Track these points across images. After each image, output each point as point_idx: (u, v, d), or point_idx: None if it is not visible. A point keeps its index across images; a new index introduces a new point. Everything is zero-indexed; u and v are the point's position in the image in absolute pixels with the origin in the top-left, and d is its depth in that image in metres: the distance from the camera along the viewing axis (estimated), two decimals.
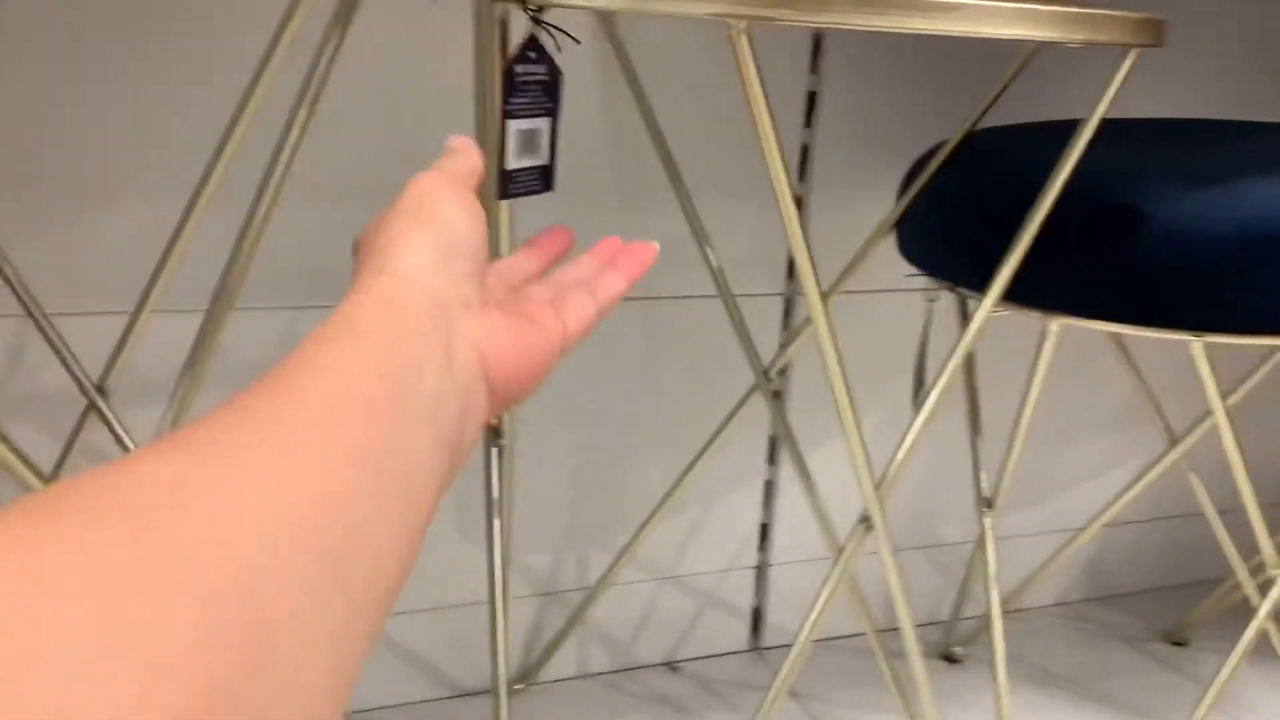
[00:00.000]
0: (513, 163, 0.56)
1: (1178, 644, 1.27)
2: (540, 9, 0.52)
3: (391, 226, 0.38)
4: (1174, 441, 1.05)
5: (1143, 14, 0.61)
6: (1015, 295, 0.78)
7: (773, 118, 0.60)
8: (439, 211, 0.39)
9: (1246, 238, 0.70)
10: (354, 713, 1.05)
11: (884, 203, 1.08)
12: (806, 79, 1.04)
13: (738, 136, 1.02)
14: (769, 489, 1.17)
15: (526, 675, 1.11)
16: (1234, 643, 0.94)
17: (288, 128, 0.68)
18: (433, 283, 0.36)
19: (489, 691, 1.10)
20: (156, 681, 0.20)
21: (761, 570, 1.19)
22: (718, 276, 0.94)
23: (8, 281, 0.79)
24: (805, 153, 1.07)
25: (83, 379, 0.79)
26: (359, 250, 0.39)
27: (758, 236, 1.06)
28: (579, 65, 0.94)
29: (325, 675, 0.24)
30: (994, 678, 0.95)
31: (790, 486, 1.16)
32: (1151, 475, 1.08)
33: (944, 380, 0.74)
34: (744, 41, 0.53)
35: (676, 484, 1.03)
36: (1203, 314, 0.72)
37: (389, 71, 0.90)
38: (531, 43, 0.55)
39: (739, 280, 1.06)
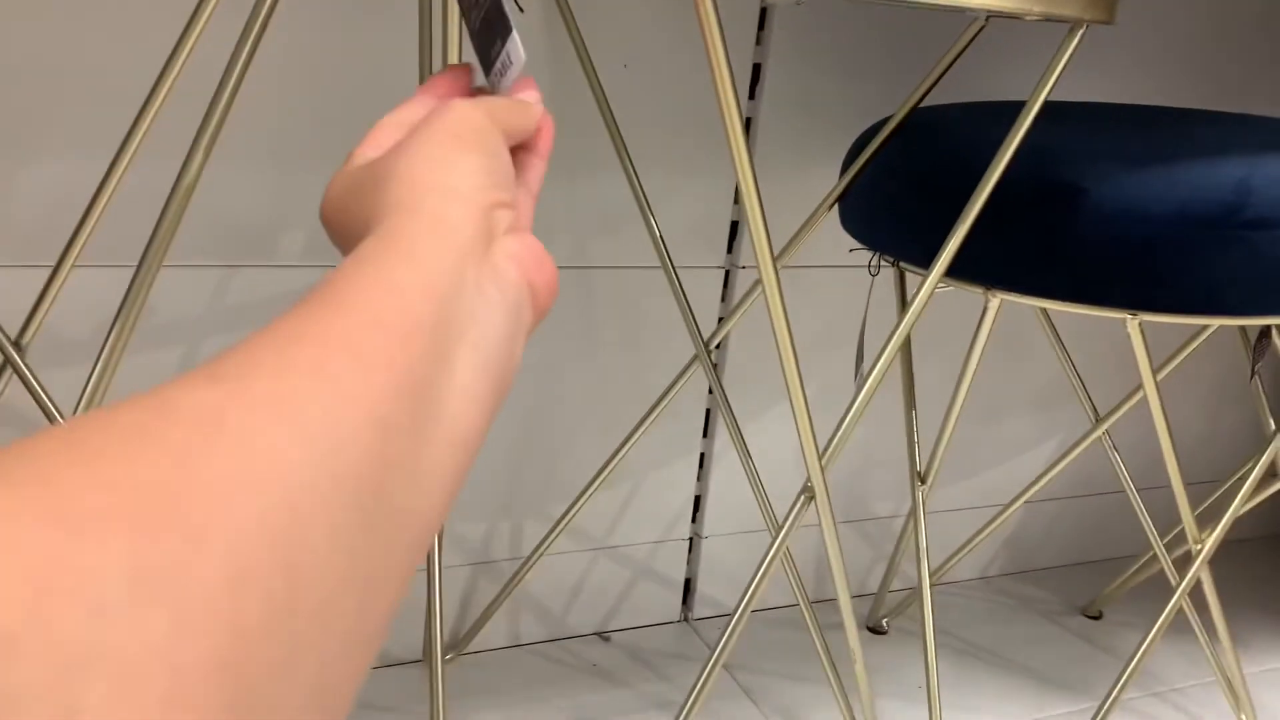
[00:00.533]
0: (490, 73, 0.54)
1: (1092, 618, 1.31)
2: None
3: (434, 147, 0.36)
4: (1099, 419, 1.08)
5: None
6: (956, 271, 0.79)
7: (733, 78, 0.59)
8: (488, 141, 0.38)
9: (1183, 218, 0.72)
10: None
11: (828, 178, 1.08)
12: (752, 51, 1.04)
13: (680, 109, 1.01)
14: (703, 461, 1.17)
15: (457, 645, 1.10)
16: (1145, 617, 0.97)
17: (222, 82, 0.65)
18: (483, 199, 0.35)
19: (419, 661, 1.09)
20: (187, 623, 0.19)
21: (694, 542, 1.20)
22: (660, 246, 0.94)
23: None
24: (749, 125, 1.06)
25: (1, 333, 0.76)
26: (363, 175, 0.37)
27: (697, 209, 1.06)
28: (527, 34, 0.92)
29: (354, 619, 0.24)
30: (924, 650, 0.96)
31: (724, 459, 1.16)
32: (1076, 452, 1.11)
33: (888, 355, 0.74)
34: (708, 6, 0.52)
35: (614, 456, 1.02)
36: (1139, 292, 0.73)
37: (324, 29, 0.87)
38: None
39: (678, 253, 1.05)
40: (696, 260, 1.08)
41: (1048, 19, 0.61)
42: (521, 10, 0.56)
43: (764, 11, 1.03)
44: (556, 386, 1.06)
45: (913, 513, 0.97)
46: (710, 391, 1.13)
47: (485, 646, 1.12)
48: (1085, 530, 1.43)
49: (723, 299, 1.11)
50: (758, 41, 1.04)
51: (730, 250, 1.10)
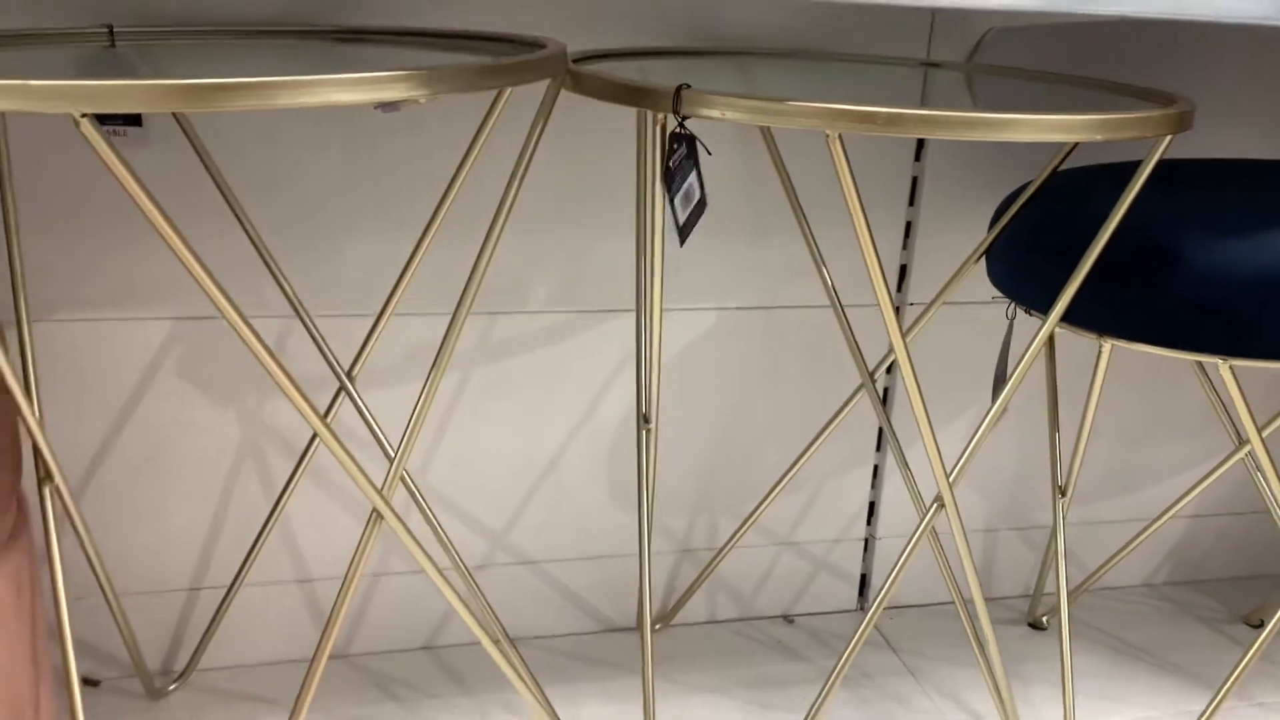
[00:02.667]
0: (681, 218, 0.76)
1: (1253, 626, 1.40)
2: (685, 117, 0.73)
3: None
4: (1240, 442, 1.19)
5: (1168, 109, 0.77)
6: (1076, 319, 0.95)
7: (868, 224, 0.77)
8: None
9: (1263, 279, 0.85)
10: (520, 638, 1.29)
11: (983, 222, 1.24)
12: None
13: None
14: (876, 472, 1.35)
15: (664, 617, 1.33)
16: None
17: (511, 178, 0.89)
18: None
19: (633, 629, 1.32)
20: None
21: (869, 542, 1.38)
22: (830, 291, 1.13)
23: (281, 288, 1.04)
24: (915, 184, 1.24)
25: (336, 365, 1.04)
26: None
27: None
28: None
29: None
30: (1059, 644, 1.11)
31: (896, 470, 1.34)
32: (1219, 473, 1.22)
33: (1012, 386, 0.91)
34: (837, 145, 0.72)
35: (794, 464, 1.22)
36: (1226, 341, 0.87)
37: (568, 147, 1.12)
38: (675, 137, 0.76)
39: (855, 293, 1.24)
40: (867, 299, 1.26)
41: (1139, 139, 0.76)
42: (710, 154, 0.77)
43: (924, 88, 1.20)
44: (747, 405, 1.27)
45: (1054, 521, 1.12)
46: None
47: (686, 621, 1.34)
48: (1258, 543, 1.51)
49: None
50: None
51: (900, 289, 1.28)
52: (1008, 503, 1.40)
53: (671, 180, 0.75)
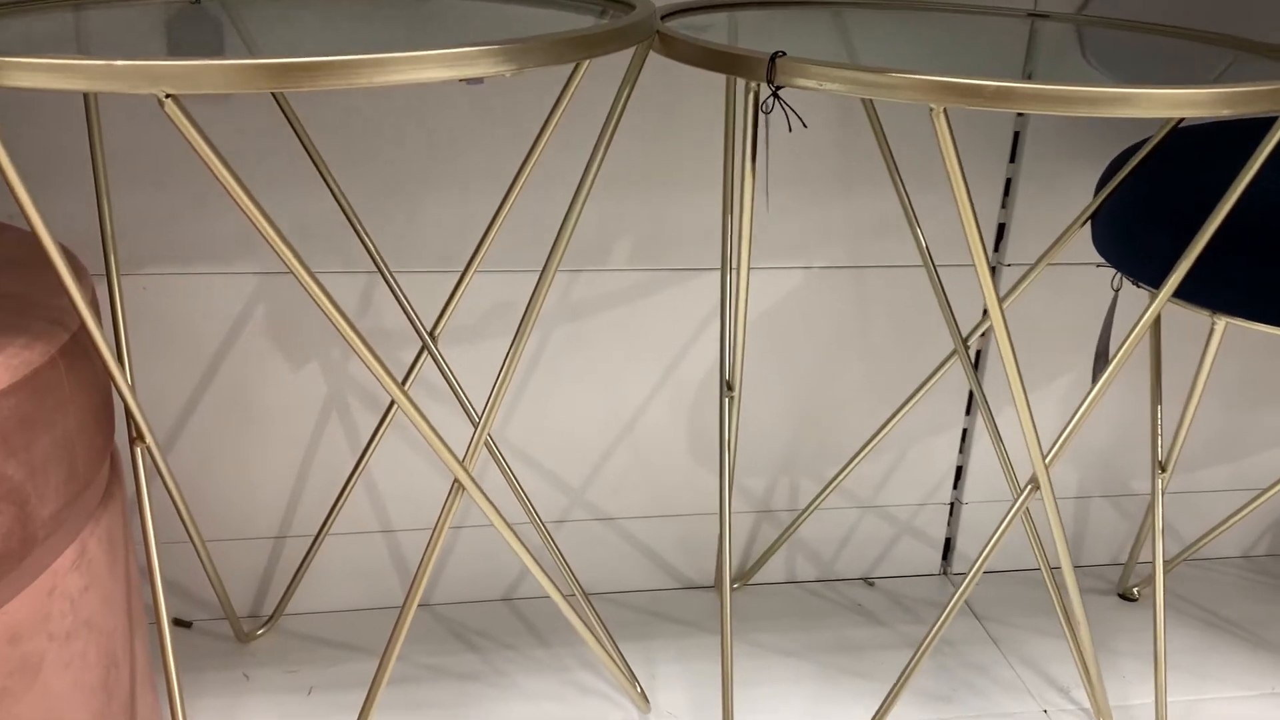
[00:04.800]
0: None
1: None
2: (779, 87, 0.69)
3: None
4: None
5: None
6: (1186, 293, 0.90)
7: (968, 190, 0.73)
8: None
9: None
10: (597, 594, 1.29)
11: (1088, 183, 1.18)
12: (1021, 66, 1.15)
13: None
14: (965, 435, 1.31)
15: (743, 576, 1.32)
16: None
17: (595, 149, 0.87)
18: None
19: (711, 586, 1.32)
20: None
21: (954, 506, 1.35)
22: (924, 251, 1.09)
23: (365, 245, 1.04)
24: (1016, 140, 1.18)
25: (419, 324, 1.04)
26: None
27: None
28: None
29: None
30: (1154, 620, 1.08)
31: (986, 434, 1.30)
32: None
33: (1115, 366, 0.87)
34: (942, 121, 0.68)
35: (881, 429, 1.19)
36: None
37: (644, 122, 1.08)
38: (764, 108, 0.72)
39: (949, 254, 1.19)
40: (963, 259, 1.21)
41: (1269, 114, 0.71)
42: (805, 126, 0.74)
43: (1031, 37, 1.14)
44: (832, 367, 1.24)
45: (1151, 497, 1.08)
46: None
47: (765, 580, 1.33)
48: None
49: None
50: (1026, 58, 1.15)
51: (997, 249, 1.23)
52: (1102, 470, 1.35)
53: (757, 149, 0.72)
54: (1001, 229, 1.22)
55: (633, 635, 1.23)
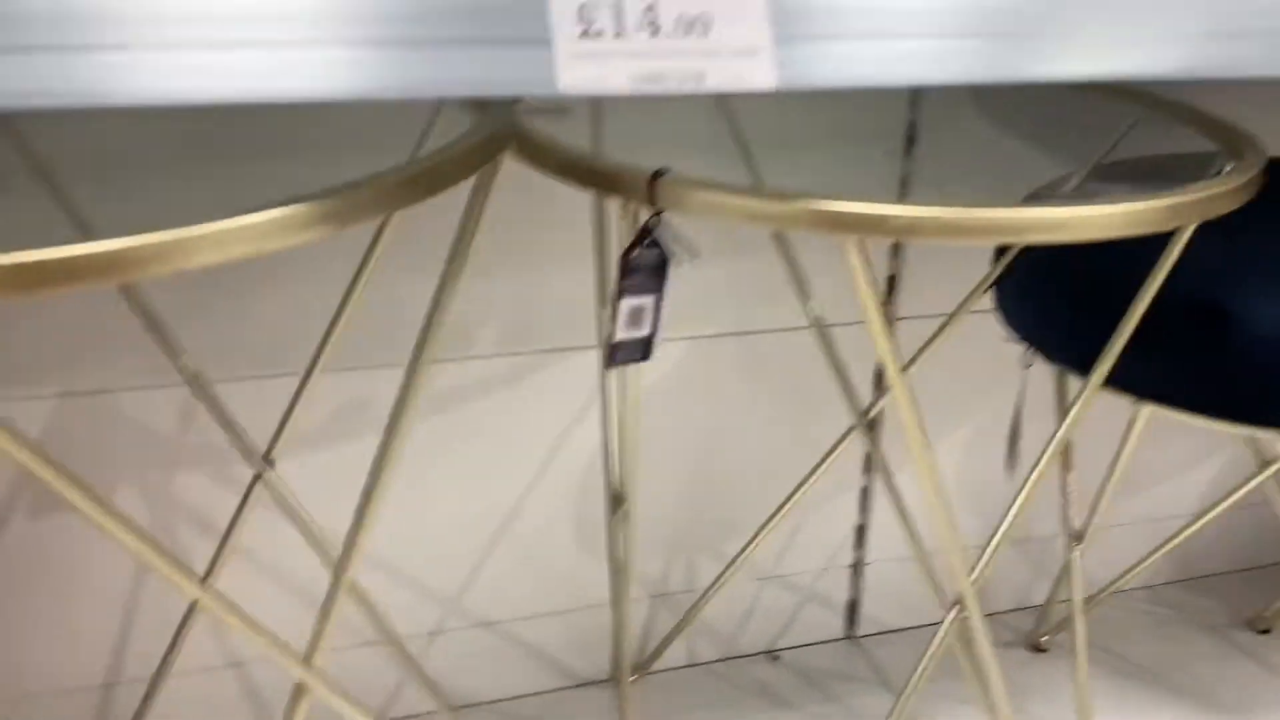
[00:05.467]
0: (620, 335, 0.62)
1: (1261, 632, 1.32)
2: (661, 212, 0.58)
3: None
4: (1264, 464, 1.09)
5: (1200, 194, 0.63)
6: (1108, 379, 0.82)
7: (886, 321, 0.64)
8: None
9: None
10: (485, 703, 1.17)
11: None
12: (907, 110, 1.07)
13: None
14: (865, 494, 1.23)
15: (641, 667, 1.22)
16: None
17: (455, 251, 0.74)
18: None
19: (609, 680, 1.21)
20: None
21: (858, 567, 1.27)
22: (814, 322, 0.99)
23: (175, 362, 0.89)
24: (904, 182, 1.09)
25: (250, 448, 0.89)
26: None
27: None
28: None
29: None
30: (1072, 668, 1.02)
31: (886, 492, 1.23)
32: (1240, 494, 1.12)
33: (1042, 464, 0.79)
34: (854, 255, 0.58)
35: (780, 508, 1.10)
36: None
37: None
38: (647, 233, 0.61)
39: (838, 311, 1.10)
40: (854, 316, 1.12)
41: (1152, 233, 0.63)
42: (696, 255, 0.63)
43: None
44: (723, 438, 1.14)
45: (1066, 569, 1.02)
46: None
47: (665, 666, 1.23)
48: (1261, 533, 1.43)
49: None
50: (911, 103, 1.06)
51: (889, 301, 1.14)
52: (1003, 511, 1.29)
53: (628, 276, 0.61)
54: (892, 280, 1.13)
55: None
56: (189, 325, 0.93)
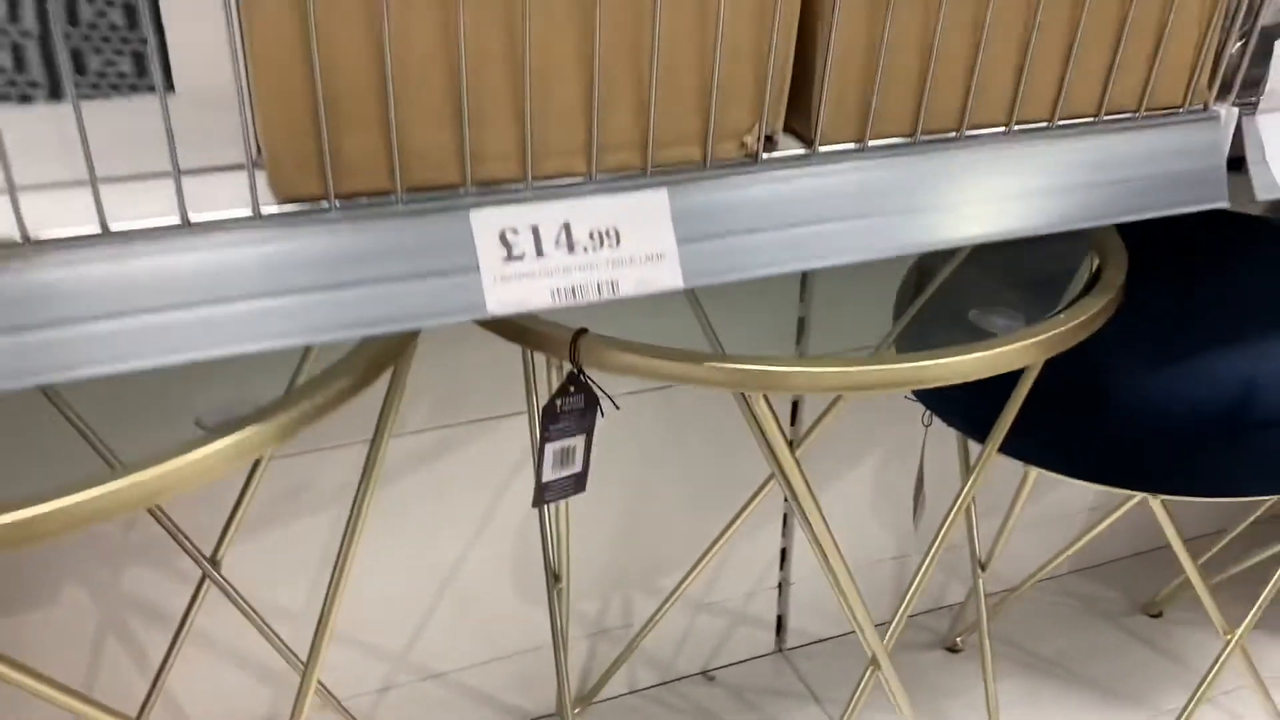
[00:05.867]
0: (548, 476, 0.67)
1: (1153, 616, 1.43)
2: (582, 370, 0.63)
3: None
4: None
5: (1032, 337, 0.70)
6: (1002, 447, 0.89)
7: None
8: None
9: (1199, 417, 0.81)
10: None
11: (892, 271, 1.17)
12: None
13: None
14: (787, 520, 1.30)
15: (584, 699, 1.28)
16: (1200, 612, 1.08)
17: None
18: None
19: (554, 714, 1.27)
20: None
21: (783, 587, 1.35)
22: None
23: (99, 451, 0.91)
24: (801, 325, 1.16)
25: (194, 553, 0.92)
26: None
27: (763, 327, 1.16)
28: None
29: None
30: (982, 670, 1.10)
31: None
32: (1124, 509, 1.22)
33: (947, 527, 0.86)
34: (761, 403, 0.63)
35: (710, 548, 1.16)
36: (1157, 481, 0.83)
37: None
38: (572, 379, 0.65)
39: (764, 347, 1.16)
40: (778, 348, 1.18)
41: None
42: (617, 407, 0.67)
43: None
44: (650, 484, 1.20)
45: (973, 592, 1.10)
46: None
47: (608, 696, 1.30)
48: (1152, 516, 1.53)
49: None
50: None
51: (799, 344, 1.20)
52: (912, 530, 1.37)
53: (552, 424, 0.66)
54: (801, 323, 1.19)
55: None
56: (122, 428, 0.95)
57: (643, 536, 1.23)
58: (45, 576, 0.99)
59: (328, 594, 0.75)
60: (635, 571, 1.24)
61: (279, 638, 0.93)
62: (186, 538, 0.93)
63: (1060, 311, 0.69)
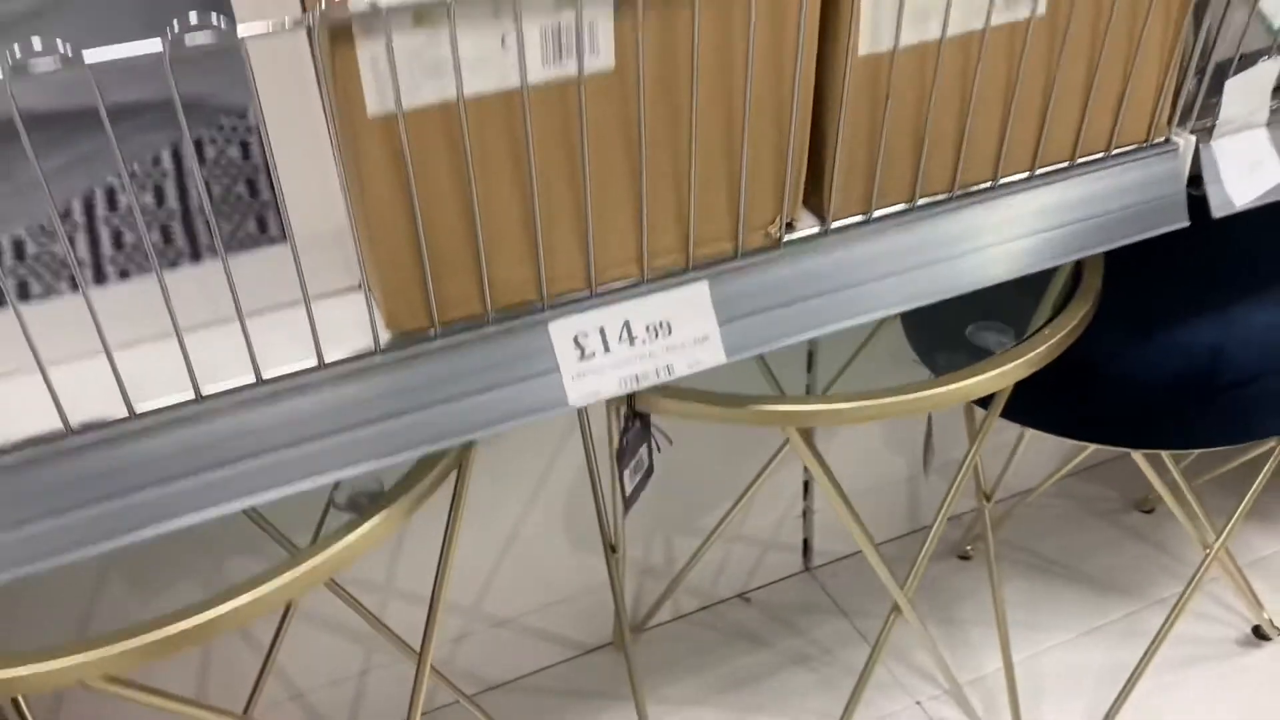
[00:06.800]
0: (629, 488, 0.78)
1: (1146, 511, 1.57)
2: (643, 414, 0.73)
3: None
4: None
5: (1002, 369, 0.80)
6: (1003, 412, 1.01)
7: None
8: None
9: (1175, 384, 0.92)
10: (514, 681, 1.38)
11: None
12: None
13: None
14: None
15: (635, 628, 1.43)
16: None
17: None
18: None
19: (610, 644, 1.42)
20: None
21: (807, 514, 1.48)
22: None
23: None
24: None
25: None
26: None
27: None
28: None
29: None
30: (989, 581, 1.24)
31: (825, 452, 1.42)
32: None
33: (958, 484, 0.98)
34: (798, 441, 0.74)
35: (738, 500, 1.29)
36: (1141, 438, 0.95)
37: None
38: (629, 416, 0.77)
39: None
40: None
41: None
42: (670, 442, 0.78)
43: None
44: (682, 437, 1.32)
45: (979, 517, 1.22)
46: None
47: (655, 623, 1.44)
48: None
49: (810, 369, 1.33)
50: None
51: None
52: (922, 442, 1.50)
53: (624, 456, 0.77)
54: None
55: (548, 711, 1.33)
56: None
57: (680, 484, 1.35)
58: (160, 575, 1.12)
59: (433, 595, 0.88)
60: (675, 516, 1.37)
61: (392, 631, 1.06)
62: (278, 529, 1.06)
63: (1044, 327, 0.79)
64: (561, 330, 0.61)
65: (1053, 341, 0.79)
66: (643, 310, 0.63)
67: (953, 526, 1.57)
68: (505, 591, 1.32)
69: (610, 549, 1.07)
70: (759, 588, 1.50)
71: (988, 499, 1.23)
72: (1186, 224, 0.76)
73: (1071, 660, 1.36)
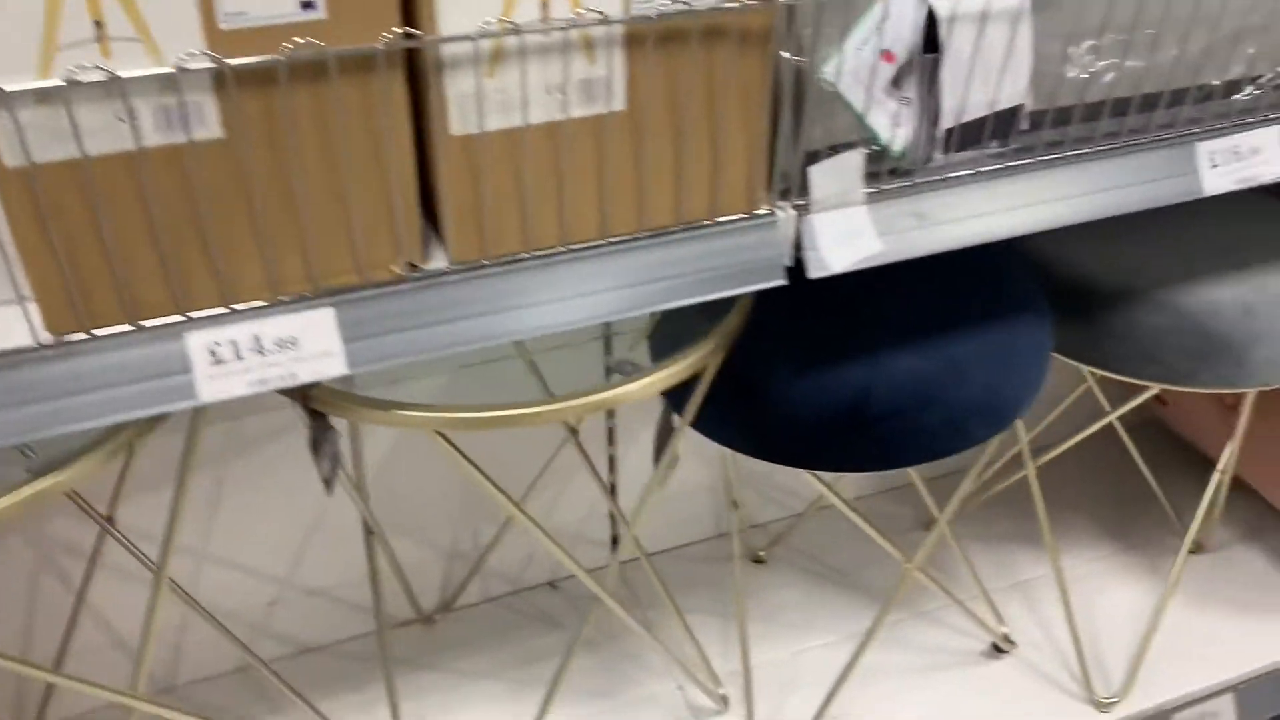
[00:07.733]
0: (324, 473, 0.94)
1: (927, 529, 1.71)
2: (320, 413, 0.89)
3: None
4: None
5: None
6: (696, 425, 1.15)
7: None
8: None
9: (832, 416, 1.06)
10: (327, 645, 1.53)
11: None
12: None
13: None
14: (612, 463, 1.58)
15: (443, 607, 1.58)
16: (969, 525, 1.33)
17: None
18: None
19: (417, 619, 1.57)
20: None
21: (613, 516, 1.63)
22: (524, 354, 1.30)
23: None
24: None
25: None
26: None
27: None
28: None
29: None
30: (777, 578, 1.39)
31: (624, 460, 1.57)
32: None
33: (641, 507, 1.12)
34: (441, 441, 0.90)
35: (538, 475, 1.44)
36: (809, 461, 1.09)
37: None
38: (308, 410, 0.92)
39: (542, 341, 1.42)
40: (559, 343, 1.44)
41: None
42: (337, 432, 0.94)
43: None
44: (479, 454, 1.47)
45: (730, 531, 1.37)
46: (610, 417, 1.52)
47: (463, 604, 1.60)
48: None
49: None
50: None
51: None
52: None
53: (320, 445, 0.92)
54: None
55: (348, 685, 1.49)
56: None
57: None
58: None
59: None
60: (481, 506, 1.52)
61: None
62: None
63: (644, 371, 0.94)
64: (198, 340, 0.76)
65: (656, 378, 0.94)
66: (271, 328, 0.78)
67: (752, 533, 1.71)
68: (317, 565, 1.47)
69: (368, 531, 1.22)
70: (567, 577, 1.65)
71: (735, 506, 1.38)
72: (784, 282, 0.90)
73: (829, 659, 1.51)
